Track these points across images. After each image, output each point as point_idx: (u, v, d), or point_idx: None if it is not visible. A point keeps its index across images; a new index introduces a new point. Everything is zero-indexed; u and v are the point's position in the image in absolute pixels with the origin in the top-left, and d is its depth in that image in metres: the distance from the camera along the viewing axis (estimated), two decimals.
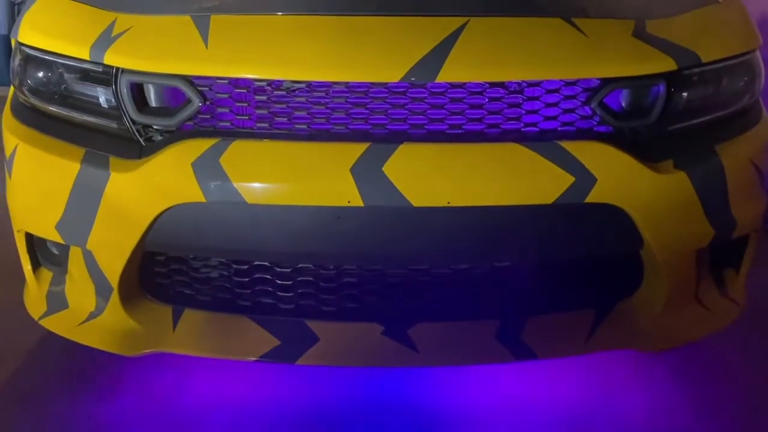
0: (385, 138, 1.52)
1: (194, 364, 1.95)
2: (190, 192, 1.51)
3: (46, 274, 1.85)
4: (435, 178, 1.49)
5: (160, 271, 1.73)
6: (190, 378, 1.94)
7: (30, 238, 1.82)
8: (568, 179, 1.50)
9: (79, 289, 1.76)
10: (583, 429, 1.79)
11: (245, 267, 1.68)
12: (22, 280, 1.91)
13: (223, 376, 1.94)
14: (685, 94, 1.64)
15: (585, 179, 1.50)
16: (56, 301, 1.81)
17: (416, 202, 1.48)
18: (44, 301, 1.83)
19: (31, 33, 1.73)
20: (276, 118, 1.55)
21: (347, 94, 1.53)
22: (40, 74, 1.73)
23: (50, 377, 1.98)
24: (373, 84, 1.51)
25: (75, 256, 1.71)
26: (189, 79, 1.54)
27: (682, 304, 1.76)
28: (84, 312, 1.75)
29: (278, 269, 1.67)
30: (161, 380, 1.93)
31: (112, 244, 1.62)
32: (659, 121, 1.61)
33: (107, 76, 1.60)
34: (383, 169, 1.47)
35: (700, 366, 2.03)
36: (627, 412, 1.85)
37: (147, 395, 1.89)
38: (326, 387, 1.91)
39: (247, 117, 1.56)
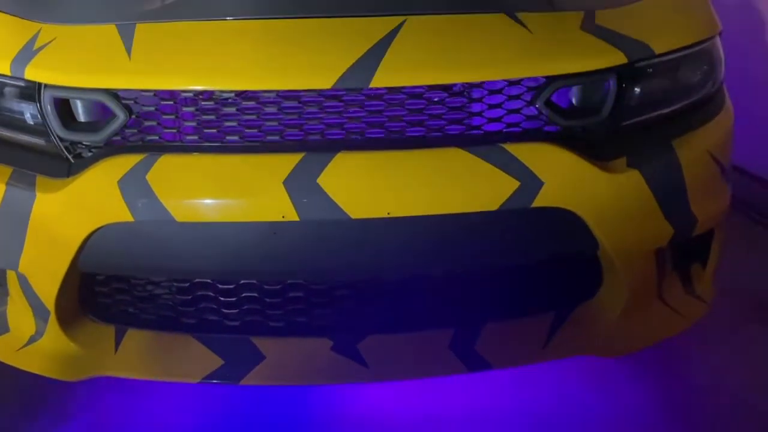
0: (320, 147, 1.45)
1: (148, 384, 1.86)
2: (118, 211, 1.44)
3: None
4: (373, 188, 1.42)
5: (102, 290, 1.67)
6: (143, 398, 1.88)
7: None
8: (513, 184, 1.43)
9: (19, 312, 1.69)
10: None
11: (187, 284, 1.62)
12: None
13: (178, 395, 1.88)
14: (637, 89, 1.56)
15: (530, 183, 1.43)
16: None
17: (354, 214, 1.41)
18: None
19: None
20: (205, 130, 1.48)
21: (279, 102, 1.46)
22: None
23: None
24: (306, 91, 1.44)
25: (11, 278, 1.64)
26: (113, 93, 1.47)
27: (645, 304, 1.70)
28: (24, 336, 1.69)
29: (221, 286, 1.61)
30: (114, 401, 1.88)
31: (45, 267, 1.55)
32: (610, 117, 1.53)
33: (31, 92, 1.53)
34: (318, 180, 1.40)
35: (670, 366, 1.98)
36: (594, 415, 1.80)
37: (100, 417, 1.84)
38: (283, 400, 1.85)
39: (175, 130, 1.49)
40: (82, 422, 1.82)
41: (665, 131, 1.62)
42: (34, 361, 1.67)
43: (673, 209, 1.59)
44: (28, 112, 1.55)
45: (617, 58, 1.51)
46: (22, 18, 1.61)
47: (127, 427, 1.81)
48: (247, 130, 1.47)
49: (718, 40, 1.76)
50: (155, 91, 1.46)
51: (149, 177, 1.42)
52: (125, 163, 1.44)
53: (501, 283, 1.66)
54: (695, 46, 1.66)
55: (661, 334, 1.74)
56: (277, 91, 1.44)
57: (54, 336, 1.63)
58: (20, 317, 1.69)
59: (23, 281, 1.60)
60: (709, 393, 1.88)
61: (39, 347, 1.66)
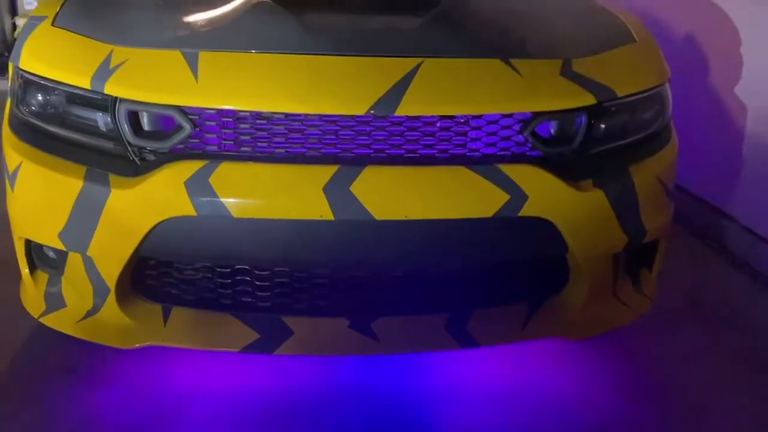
0: (352, 161, 1.78)
1: (177, 358, 2.14)
2: (183, 207, 1.73)
3: (43, 276, 2.04)
4: (395, 195, 1.75)
5: (151, 273, 1.95)
6: (173, 370, 2.11)
7: (28, 244, 2.01)
8: (505, 196, 1.78)
9: (77, 290, 1.95)
10: (520, 404, 2.07)
11: (227, 270, 1.92)
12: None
13: (204, 368, 2.13)
14: (603, 124, 1.94)
15: (519, 196, 1.79)
16: (54, 301, 2.01)
17: (379, 216, 1.74)
18: (43, 301, 2.02)
19: (32, 61, 1.92)
20: (258, 143, 1.79)
21: (320, 123, 1.78)
22: (40, 98, 1.92)
23: (37, 369, 2.11)
24: (342, 116, 1.77)
25: (74, 261, 1.90)
26: (181, 109, 1.77)
27: (602, 299, 2.07)
28: (82, 310, 1.96)
29: (257, 272, 1.91)
30: (146, 372, 2.11)
31: (111, 251, 1.83)
32: (581, 146, 1.91)
33: (106, 104, 1.81)
34: (350, 188, 1.73)
35: (623, 350, 2.34)
36: (558, 389, 2.14)
37: (132, 386, 2.05)
38: (297, 378, 2.11)
39: (232, 141, 1.80)
40: (113, 391, 2.01)
41: (624, 158, 1.99)
42: (92, 332, 1.95)
43: (628, 222, 1.96)
44: (102, 120, 1.84)
45: (588, 100, 1.89)
46: (92, 39, 1.90)
47: (156, 397, 2.00)
48: (292, 145, 1.79)
49: (667, 85, 2.16)
50: (218, 109, 1.77)
51: (212, 179, 1.73)
52: (191, 167, 1.74)
53: (488, 276, 2.01)
54: (650, 91, 2.05)
55: (615, 323, 2.12)
56: (320, 115, 1.77)
57: (111, 310, 1.91)
58: (78, 294, 1.96)
59: (88, 263, 1.88)
60: (652, 372, 2.26)
61: (97, 320, 1.93)
